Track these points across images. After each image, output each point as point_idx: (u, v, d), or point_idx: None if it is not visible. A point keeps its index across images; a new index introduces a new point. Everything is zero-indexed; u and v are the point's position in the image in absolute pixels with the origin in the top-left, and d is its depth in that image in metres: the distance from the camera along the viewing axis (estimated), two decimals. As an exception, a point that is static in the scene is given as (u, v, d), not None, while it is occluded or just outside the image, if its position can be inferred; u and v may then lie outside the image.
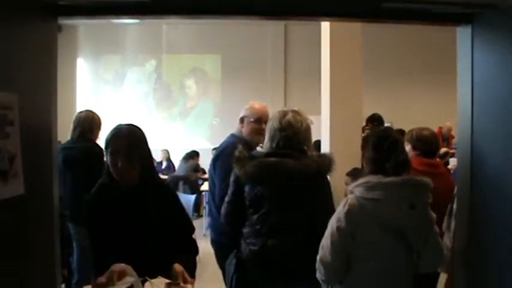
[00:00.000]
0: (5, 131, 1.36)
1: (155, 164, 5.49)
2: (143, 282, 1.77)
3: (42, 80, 1.64)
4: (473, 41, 1.86)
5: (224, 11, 1.87)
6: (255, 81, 10.77)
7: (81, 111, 3.76)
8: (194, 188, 8.13)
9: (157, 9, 1.82)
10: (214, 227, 3.06)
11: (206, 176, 8.36)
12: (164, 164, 9.78)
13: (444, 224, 2.65)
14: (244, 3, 1.82)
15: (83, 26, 10.88)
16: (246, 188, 2.39)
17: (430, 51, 10.46)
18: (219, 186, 2.81)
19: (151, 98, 11.50)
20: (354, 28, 4.26)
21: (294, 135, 2.35)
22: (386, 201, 1.94)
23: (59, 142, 2.95)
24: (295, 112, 2.42)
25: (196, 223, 2.65)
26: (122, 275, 1.72)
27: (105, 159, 2.04)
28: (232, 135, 3.02)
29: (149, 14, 1.91)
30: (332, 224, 2.02)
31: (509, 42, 1.69)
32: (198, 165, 9.01)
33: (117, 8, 1.80)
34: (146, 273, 1.80)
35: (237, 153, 2.40)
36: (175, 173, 8.85)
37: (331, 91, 4.29)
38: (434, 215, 2.07)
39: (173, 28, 10.83)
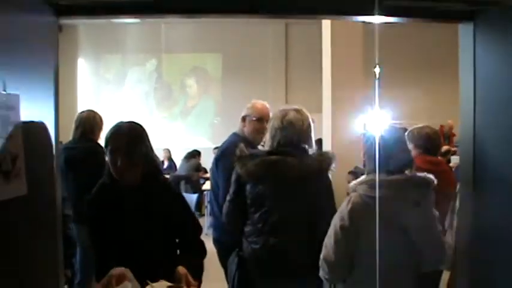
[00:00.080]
0: (6, 131, 1.36)
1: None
2: (144, 286, 1.70)
3: (44, 79, 1.64)
4: (475, 38, 1.85)
5: (225, 10, 1.86)
6: (256, 79, 10.77)
7: (83, 111, 3.75)
8: (196, 187, 8.14)
9: (158, 8, 1.82)
10: (216, 226, 3.06)
11: (208, 175, 8.37)
12: (166, 164, 9.79)
13: (446, 222, 2.65)
14: (245, 2, 1.82)
15: (83, 26, 10.89)
16: (248, 187, 2.39)
17: (431, 49, 10.45)
18: (222, 185, 2.81)
19: (152, 97, 11.51)
20: (355, 26, 4.25)
21: (295, 134, 2.35)
22: (389, 199, 1.94)
23: (61, 142, 2.95)
24: (296, 111, 2.41)
25: (198, 222, 2.64)
26: (121, 279, 1.66)
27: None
28: (234, 134, 3.02)
29: (150, 13, 1.91)
30: (335, 222, 2.02)
31: (511, 39, 1.68)
32: (199, 164, 9.02)
33: (118, 8, 1.80)
34: (149, 275, 1.72)
35: (238, 151, 2.40)
36: (177, 173, 8.86)
37: (333, 89, 4.29)
38: (437, 212, 2.06)
39: (174, 27, 10.83)
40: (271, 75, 11.08)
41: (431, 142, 3.00)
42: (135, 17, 1.80)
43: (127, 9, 1.82)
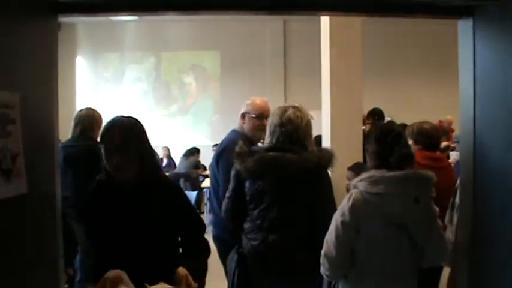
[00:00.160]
0: (6, 129, 1.36)
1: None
2: None
3: (43, 78, 1.64)
4: (475, 33, 1.85)
5: (223, 6, 1.85)
6: (255, 77, 10.76)
7: (82, 109, 3.75)
8: (195, 185, 8.16)
9: (156, 5, 1.81)
10: (216, 223, 3.06)
11: (207, 172, 8.39)
12: (165, 161, 9.80)
13: (446, 218, 2.65)
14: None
15: (82, 24, 10.86)
16: (247, 183, 2.39)
17: (430, 45, 10.46)
18: (223, 183, 2.80)
19: (151, 95, 11.51)
20: (354, 22, 4.24)
21: (294, 131, 2.35)
22: (390, 195, 1.94)
23: (59, 141, 2.94)
24: (295, 108, 2.42)
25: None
26: (116, 282, 1.62)
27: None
28: (234, 131, 3.01)
29: (148, 10, 1.90)
30: (336, 218, 2.02)
31: (511, 35, 1.68)
32: (198, 162, 9.03)
33: (117, 5, 1.79)
34: (148, 275, 1.67)
35: (237, 148, 2.40)
36: (176, 170, 8.87)
37: (331, 86, 4.27)
38: (437, 208, 2.07)
39: (172, 25, 10.82)
40: (270, 73, 11.07)
41: (431, 137, 3.00)
42: (133, 15, 1.79)
43: (125, 7, 1.81)
